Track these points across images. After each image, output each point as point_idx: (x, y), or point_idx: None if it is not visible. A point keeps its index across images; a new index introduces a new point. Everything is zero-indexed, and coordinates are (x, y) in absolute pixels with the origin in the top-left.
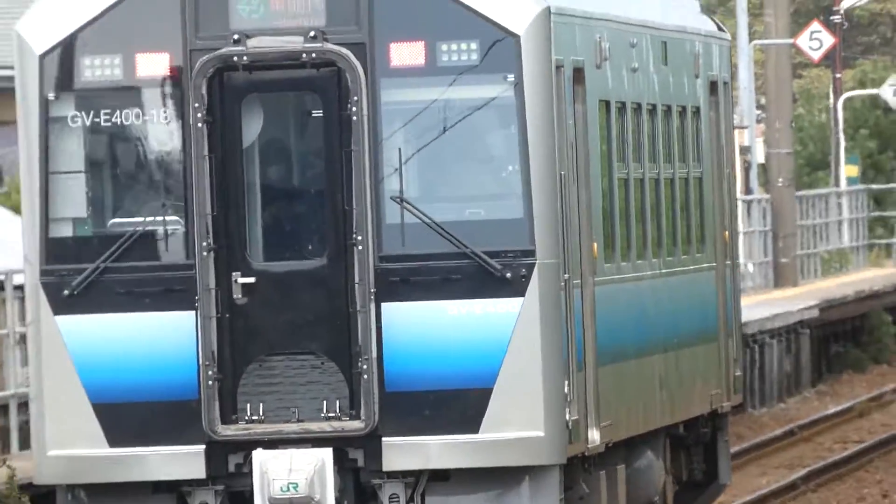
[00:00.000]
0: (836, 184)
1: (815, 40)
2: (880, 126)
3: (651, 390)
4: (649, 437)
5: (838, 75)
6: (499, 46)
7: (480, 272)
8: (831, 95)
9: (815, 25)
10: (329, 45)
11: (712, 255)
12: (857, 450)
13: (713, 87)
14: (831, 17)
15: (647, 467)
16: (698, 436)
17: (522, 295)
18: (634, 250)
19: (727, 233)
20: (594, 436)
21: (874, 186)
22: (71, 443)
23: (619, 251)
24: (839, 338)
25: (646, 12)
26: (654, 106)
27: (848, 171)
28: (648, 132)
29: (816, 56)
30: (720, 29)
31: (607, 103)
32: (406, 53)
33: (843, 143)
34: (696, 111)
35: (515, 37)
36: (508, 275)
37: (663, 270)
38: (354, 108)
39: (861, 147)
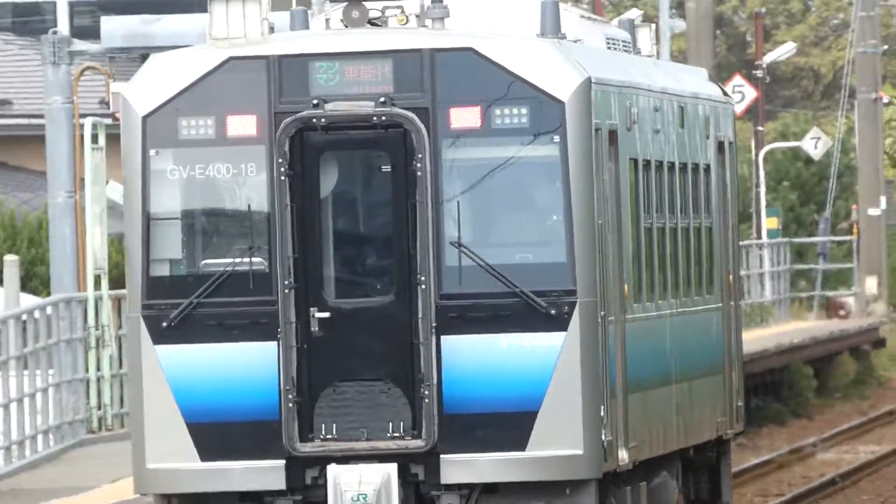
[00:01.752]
0: (758, 236)
1: (738, 93)
2: (802, 178)
3: (669, 416)
4: (665, 459)
5: (760, 128)
6: (546, 112)
7: (528, 309)
8: (753, 148)
9: (738, 79)
10: (396, 110)
11: (719, 296)
12: (777, 503)
13: (720, 146)
14: (754, 71)
15: (663, 486)
16: (705, 459)
17: (565, 330)
18: (657, 291)
19: (731, 276)
20: (623, 455)
21: (796, 240)
22: (167, 457)
23: (644, 292)
24: (760, 391)
25: (666, 81)
26: (673, 163)
27: (769, 223)
28: (668, 187)
29: (739, 109)
30: (725, 94)
31: (635, 161)
32: (464, 117)
33: (763, 196)
34: (707, 168)
35: (561, 103)
36: (553, 312)
37: (680, 310)
38: (419, 165)
39: (783, 199)
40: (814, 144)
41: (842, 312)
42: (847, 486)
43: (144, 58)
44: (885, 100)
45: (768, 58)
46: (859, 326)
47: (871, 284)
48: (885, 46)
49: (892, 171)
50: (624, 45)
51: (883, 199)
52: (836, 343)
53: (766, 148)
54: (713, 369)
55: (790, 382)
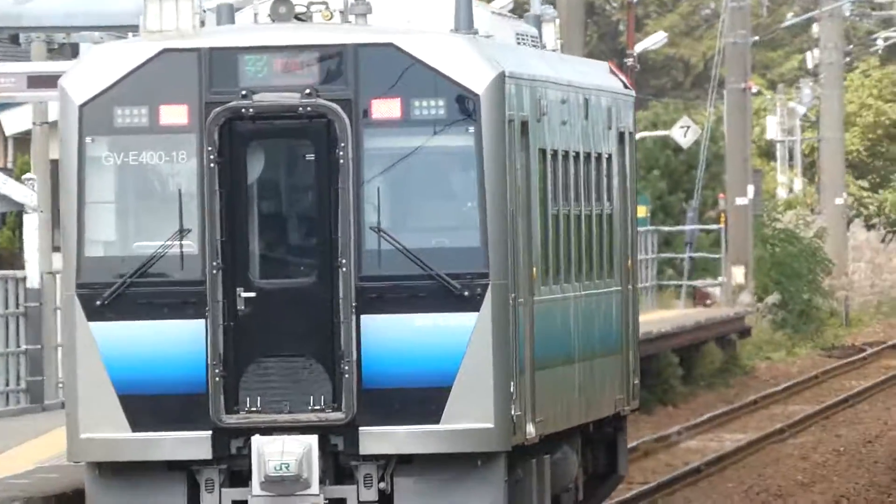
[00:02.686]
0: None
1: None
2: (671, 167)
3: (572, 393)
4: (567, 433)
5: None
6: (462, 104)
7: (443, 291)
8: None
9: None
10: (321, 101)
11: (619, 280)
12: (641, 490)
13: (621, 136)
14: (625, 60)
15: (565, 459)
16: (603, 434)
17: (478, 310)
18: (562, 275)
19: (630, 261)
20: (531, 429)
21: (664, 228)
22: (99, 427)
23: (551, 275)
24: None
25: (571, 74)
26: (578, 153)
27: (637, 211)
28: (574, 176)
29: None
30: (626, 87)
31: (544, 151)
32: (385, 108)
33: None
34: (609, 158)
35: (476, 96)
36: (466, 293)
37: (583, 292)
38: (342, 153)
39: (652, 188)
40: (683, 133)
41: (708, 302)
42: (712, 474)
43: (14, 38)
44: (754, 90)
45: (639, 47)
46: (725, 315)
47: (737, 274)
48: (755, 37)
49: (760, 161)
50: (532, 40)
51: (751, 189)
52: (702, 332)
53: (637, 136)
54: (613, 349)
55: (657, 370)
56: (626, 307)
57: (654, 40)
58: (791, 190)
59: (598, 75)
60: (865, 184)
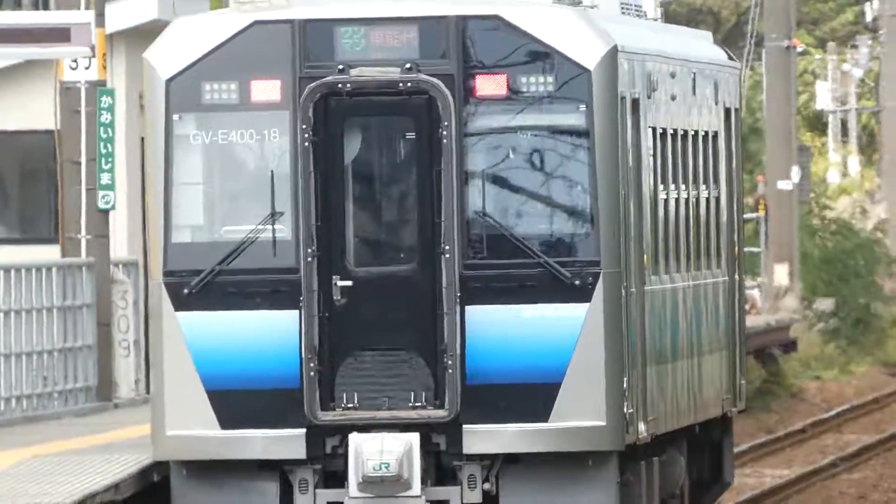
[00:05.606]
0: None
1: None
2: None
3: (682, 391)
4: (674, 436)
5: None
6: (573, 80)
7: (552, 279)
8: None
9: None
10: (422, 76)
11: (726, 269)
12: None
13: (727, 113)
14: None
15: (672, 463)
16: (709, 437)
17: (589, 300)
18: (671, 263)
19: (737, 250)
20: (642, 428)
21: None
22: (187, 424)
23: (661, 263)
24: None
25: (677, 46)
26: (686, 132)
27: None
28: (682, 156)
29: None
30: (730, 58)
31: (654, 130)
32: (490, 84)
33: None
34: (716, 136)
35: (587, 72)
36: (577, 282)
37: (692, 282)
38: (444, 132)
39: None
40: None
41: (746, 307)
42: None
43: None
44: (800, 49)
45: None
46: (766, 324)
47: (780, 274)
48: None
49: (808, 136)
50: (636, 10)
51: (796, 170)
52: None
53: None
54: (721, 344)
55: None
56: (733, 299)
57: None
58: (845, 172)
59: (703, 46)
60: None
